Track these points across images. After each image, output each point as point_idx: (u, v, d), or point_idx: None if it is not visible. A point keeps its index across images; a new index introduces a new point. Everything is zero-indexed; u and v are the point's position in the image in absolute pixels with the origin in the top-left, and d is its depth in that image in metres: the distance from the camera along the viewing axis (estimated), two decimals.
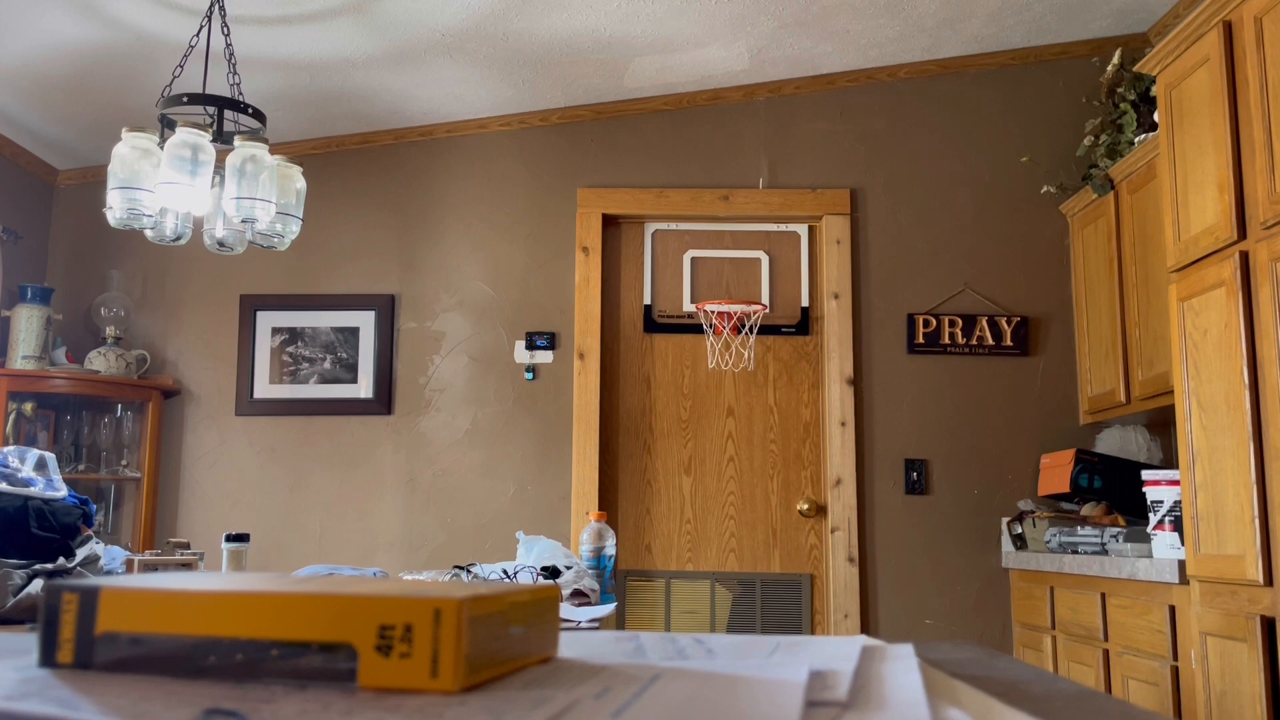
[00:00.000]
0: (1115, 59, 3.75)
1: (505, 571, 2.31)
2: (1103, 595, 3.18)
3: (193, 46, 2.94)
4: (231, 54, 2.93)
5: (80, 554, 2.00)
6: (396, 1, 3.34)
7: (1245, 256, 2.55)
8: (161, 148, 2.60)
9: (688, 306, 4.20)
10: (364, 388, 4.15)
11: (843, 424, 4.02)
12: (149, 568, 2.27)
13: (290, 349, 4.19)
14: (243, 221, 2.62)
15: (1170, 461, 3.79)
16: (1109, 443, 3.87)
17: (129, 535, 4.04)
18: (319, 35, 3.51)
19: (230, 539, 2.31)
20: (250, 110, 2.76)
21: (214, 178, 2.70)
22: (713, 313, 4.11)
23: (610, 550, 2.56)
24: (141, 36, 3.40)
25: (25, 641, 0.61)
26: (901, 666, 0.55)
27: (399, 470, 4.10)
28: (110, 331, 4.09)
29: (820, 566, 4.04)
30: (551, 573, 2.26)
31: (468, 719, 0.42)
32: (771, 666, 0.53)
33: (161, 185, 2.55)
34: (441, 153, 4.29)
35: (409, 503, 4.08)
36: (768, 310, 4.16)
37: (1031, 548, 3.74)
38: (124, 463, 4.07)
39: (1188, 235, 2.80)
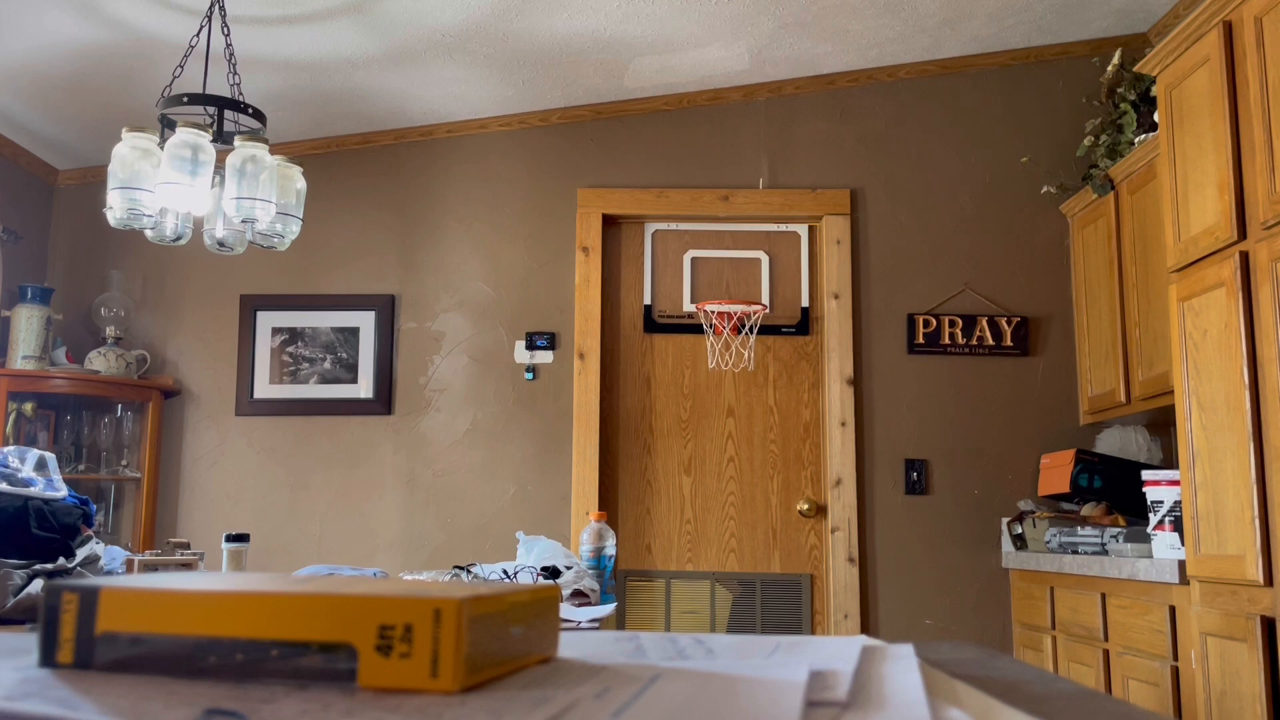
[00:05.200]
0: (1115, 59, 3.75)
1: (505, 572, 2.31)
2: (1103, 595, 3.18)
3: (193, 46, 2.94)
4: (231, 54, 2.93)
5: (80, 554, 2.00)
6: (396, 1, 3.34)
7: (1245, 256, 2.55)
8: (161, 148, 2.60)
9: (688, 306, 4.20)
10: (364, 388, 4.15)
11: (843, 424, 4.02)
12: (149, 568, 2.27)
13: (290, 349, 4.19)
14: (243, 221, 2.62)
15: (1170, 461, 3.79)
16: (1109, 443, 3.87)
17: (129, 535, 4.04)
18: (319, 35, 3.51)
19: (230, 539, 2.31)
20: (250, 110, 2.76)
21: (214, 178, 2.70)
22: (713, 313, 4.11)
23: (610, 550, 2.56)
24: (141, 36, 3.40)
25: (25, 641, 0.61)
26: (901, 666, 0.55)
27: (399, 470, 4.10)
28: (110, 331, 4.09)
29: (820, 566, 4.04)
30: (551, 573, 2.26)
31: (468, 719, 0.42)
32: (771, 666, 0.53)
33: (161, 185, 2.55)
34: (441, 153, 4.29)
35: (409, 503, 4.08)
36: (768, 310, 4.16)
37: (1031, 548, 3.74)
38: (124, 463, 4.07)
39: (1188, 235, 2.80)
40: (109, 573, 2.14)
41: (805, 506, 4.06)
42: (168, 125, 2.73)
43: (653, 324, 4.19)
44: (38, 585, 1.84)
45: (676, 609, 4.03)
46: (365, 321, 4.19)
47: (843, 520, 3.98)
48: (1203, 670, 2.64)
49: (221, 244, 2.84)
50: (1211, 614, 2.62)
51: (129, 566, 2.25)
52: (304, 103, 4.00)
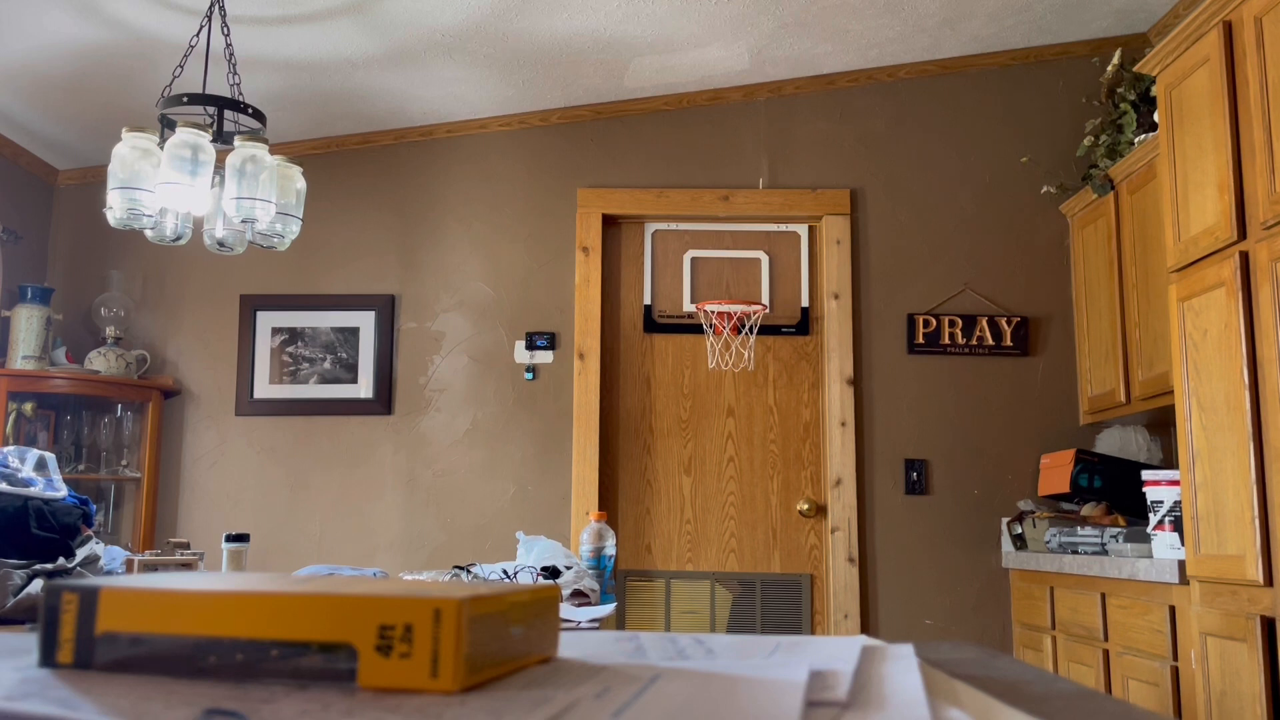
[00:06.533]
0: (1115, 59, 3.75)
1: (505, 571, 2.31)
2: (1103, 595, 3.18)
3: (193, 46, 2.94)
4: (231, 54, 2.93)
5: (80, 554, 2.00)
6: (396, 1, 3.34)
7: (1245, 256, 2.55)
8: (161, 148, 2.60)
9: (688, 306, 4.20)
10: (364, 388, 4.15)
11: (843, 424, 4.02)
12: (149, 568, 2.27)
13: (290, 349, 4.19)
14: (243, 221, 2.62)
15: (1170, 461, 3.79)
16: (1109, 443, 3.87)
17: (129, 535, 4.04)
18: (319, 35, 3.51)
19: (230, 539, 2.31)
20: (250, 110, 2.76)
21: (214, 178, 2.70)
22: (713, 313, 4.11)
23: (610, 550, 2.56)
24: (141, 36, 3.40)
25: (25, 641, 0.61)
26: (901, 666, 0.55)
27: (399, 470, 4.10)
28: (110, 331, 4.09)
29: (820, 566, 4.04)
30: (551, 573, 2.26)
31: (468, 719, 0.42)
32: (771, 666, 0.53)
33: (161, 185, 2.55)
34: (441, 153, 4.29)
35: (409, 503, 4.08)
36: (768, 310, 4.16)
37: (1031, 548, 3.74)
38: (124, 463, 4.07)
39: (1188, 235, 2.80)
40: (109, 573, 2.14)
41: (805, 506, 4.06)
42: (168, 125, 2.73)
43: (653, 324, 4.19)
44: (38, 585, 1.84)
45: (676, 609, 4.03)
46: (365, 321, 4.19)
47: (843, 520, 3.98)
48: (1203, 670, 2.64)
49: (221, 244, 2.84)
50: (1211, 614, 2.62)
51: (129, 566, 2.25)
52: (304, 103, 4.00)
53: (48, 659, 0.50)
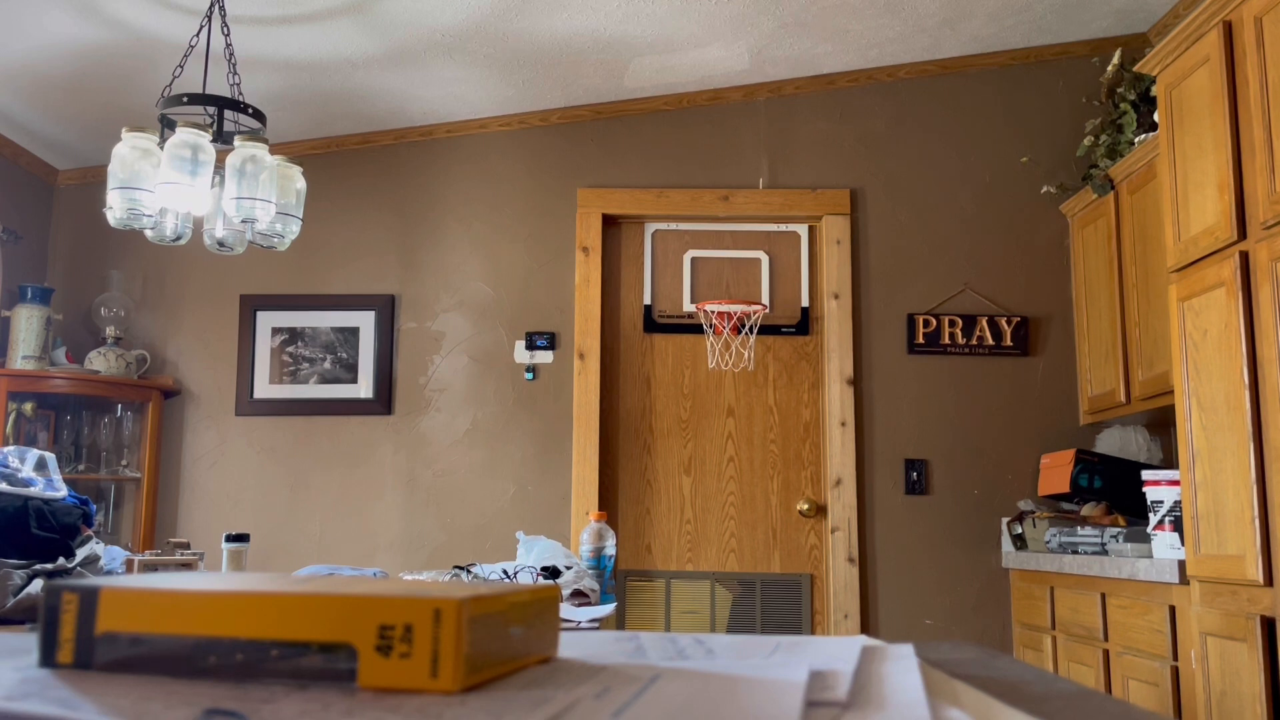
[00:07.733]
0: (1115, 59, 3.75)
1: (505, 571, 2.31)
2: (1103, 595, 3.18)
3: (193, 46, 2.94)
4: (231, 54, 2.93)
5: (80, 554, 2.00)
6: (396, 1, 3.34)
7: (1245, 256, 2.55)
8: (161, 148, 2.60)
9: (688, 306, 4.20)
10: (364, 388, 4.15)
11: (843, 424, 4.02)
12: (149, 568, 2.27)
13: (290, 349, 4.19)
14: (243, 221, 2.62)
15: (1170, 461, 3.79)
16: (1109, 443, 3.87)
17: (129, 535, 4.04)
18: (319, 35, 3.51)
19: (230, 539, 2.31)
20: (250, 110, 2.76)
21: (214, 178, 2.70)
22: (713, 313, 4.11)
23: (610, 550, 2.56)
24: (141, 36, 3.40)
25: (25, 641, 0.61)
26: (901, 666, 0.55)
27: (399, 470, 4.10)
28: (110, 331, 4.09)
29: (820, 566, 4.04)
30: (551, 573, 2.26)
31: (468, 719, 0.42)
32: (771, 666, 0.53)
33: (161, 185, 2.55)
34: (441, 153, 4.29)
35: (409, 503, 4.08)
36: (768, 310, 4.16)
37: (1031, 548, 3.74)
38: (124, 463, 4.07)
39: (1188, 235, 2.80)
40: (109, 573, 2.14)
41: (805, 506, 4.06)
42: (168, 125, 2.73)
43: (653, 324, 4.19)
44: (38, 585, 1.84)
45: (676, 609, 4.03)
46: (365, 321, 4.19)
47: (843, 520, 3.98)
48: (1203, 670, 2.64)
49: (221, 244, 2.84)
50: (1211, 614, 2.62)
51: (129, 566, 2.25)
52: (304, 103, 4.00)
53: (48, 659, 0.50)
